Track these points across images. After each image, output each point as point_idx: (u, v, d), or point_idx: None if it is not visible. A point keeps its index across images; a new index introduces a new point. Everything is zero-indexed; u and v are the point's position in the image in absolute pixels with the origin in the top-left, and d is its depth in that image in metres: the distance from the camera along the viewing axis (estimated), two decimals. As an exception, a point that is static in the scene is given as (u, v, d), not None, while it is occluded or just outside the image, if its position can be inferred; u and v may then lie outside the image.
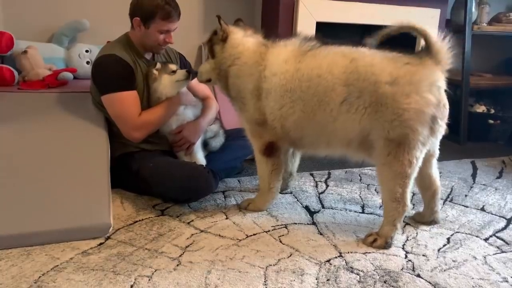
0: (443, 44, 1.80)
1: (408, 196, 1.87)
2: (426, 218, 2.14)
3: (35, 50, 2.88)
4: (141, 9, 2.23)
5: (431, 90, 1.77)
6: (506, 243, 2.01)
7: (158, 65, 2.29)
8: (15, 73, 2.79)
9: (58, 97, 2.57)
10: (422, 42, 1.85)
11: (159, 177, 2.16)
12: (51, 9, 3.09)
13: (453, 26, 3.69)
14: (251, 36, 2.10)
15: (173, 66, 2.30)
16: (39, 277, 1.58)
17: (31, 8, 3.05)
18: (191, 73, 2.28)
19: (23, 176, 2.00)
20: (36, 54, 2.87)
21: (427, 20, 3.34)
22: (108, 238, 1.87)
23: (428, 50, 1.80)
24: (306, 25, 3.08)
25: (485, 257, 1.87)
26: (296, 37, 2.06)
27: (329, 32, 3.23)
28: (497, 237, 2.06)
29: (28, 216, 1.83)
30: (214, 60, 2.10)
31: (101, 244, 1.83)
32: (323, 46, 1.97)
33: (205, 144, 2.51)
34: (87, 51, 3.06)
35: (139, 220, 2.04)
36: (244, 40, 2.06)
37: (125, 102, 2.21)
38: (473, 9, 3.66)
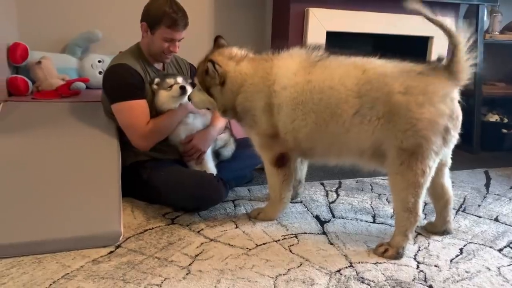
0: (466, 64, 1.76)
1: (421, 206, 1.85)
2: (438, 228, 2.11)
3: (49, 60, 2.93)
4: (149, 15, 2.26)
5: (444, 101, 1.75)
6: (521, 254, 1.97)
7: (157, 80, 2.30)
8: (29, 83, 2.83)
9: (70, 107, 2.60)
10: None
11: (170, 186, 2.17)
12: (64, 21, 3.15)
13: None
14: (241, 59, 2.03)
15: (170, 81, 2.27)
16: (50, 285, 1.59)
17: (45, 20, 3.11)
18: (185, 89, 2.25)
19: (35, 184, 2.02)
20: (50, 64, 2.92)
21: (438, 29, 3.32)
22: (119, 246, 1.88)
23: (451, 63, 1.76)
24: (316, 35, 3.08)
25: (499, 268, 1.84)
26: (300, 47, 2.03)
27: (339, 42, 3.24)
28: (512, 248, 2.02)
29: (39, 224, 1.85)
30: (214, 100, 2.07)
31: (111, 252, 1.83)
32: (332, 56, 1.96)
33: (217, 154, 2.52)
34: (99, 61, 3.10)
35: (149, 229, 2.05)
36: (238, 69, 2.01)
37: (133, 110, 2.23)
38: (485, 18, 3.64)
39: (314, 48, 2.00)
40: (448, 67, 1.78)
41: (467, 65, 1.77)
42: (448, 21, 1.77)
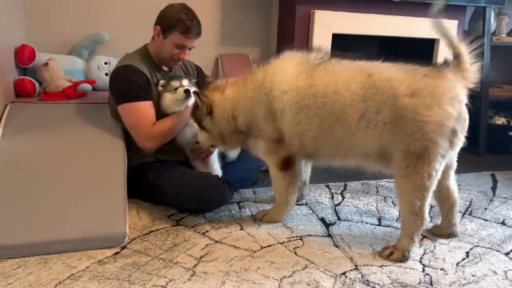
0: (473, 66, 1.80)
1: (427, 209, 1.85)
2: (444, 231, 2.10)
3: (56, 62, 2.94)
4: (164, 19, 2.28)
5: (452, 103, 1.75)
6: (528, 258, 1.96)
7: (162, 82, 2.31)
8: (36, 84, 2.84)
9: (77, 108, 2.62)
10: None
11: (175, 187, 2.18)
12: (71, 23, 3.16)
13: (471, 37, 3.65)
14: (223, 87, 2.08)
15: (175, 84, 2.27)
16: (56, 285, 1.60)
17: (53, 22, 3.13)
18: (190, 92, 2.24)
19: (41, 185, 2.03)
20: (57, 66, 2.93)
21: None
22: (124, 247, 1.88)
23: (457, 64, 1.79)
24: (322, 37, 3.08)
25: (505, 272, 1.83)
26: (291, 51, 2.03)
27: (345, 44, 3.24)
28: (518, 252, 2.01)
29: (45, 225, 1.85)
30: (210, 133, 2.11)
31: (116, 253, 1.84)
32: (333, 59, 1.95)
33: (222, 156, 2.52)
34: (106, 63, 3.11)
35: (155, 230, 2.05)
36: (225, 96, 2.05)
37: (139, 111, 2.24)
38: (492, 20, 3.62)
39: (309, 50, 2.00)
40: (455, 68, 1.78)
41: (474, 66, 1.79)
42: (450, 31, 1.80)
